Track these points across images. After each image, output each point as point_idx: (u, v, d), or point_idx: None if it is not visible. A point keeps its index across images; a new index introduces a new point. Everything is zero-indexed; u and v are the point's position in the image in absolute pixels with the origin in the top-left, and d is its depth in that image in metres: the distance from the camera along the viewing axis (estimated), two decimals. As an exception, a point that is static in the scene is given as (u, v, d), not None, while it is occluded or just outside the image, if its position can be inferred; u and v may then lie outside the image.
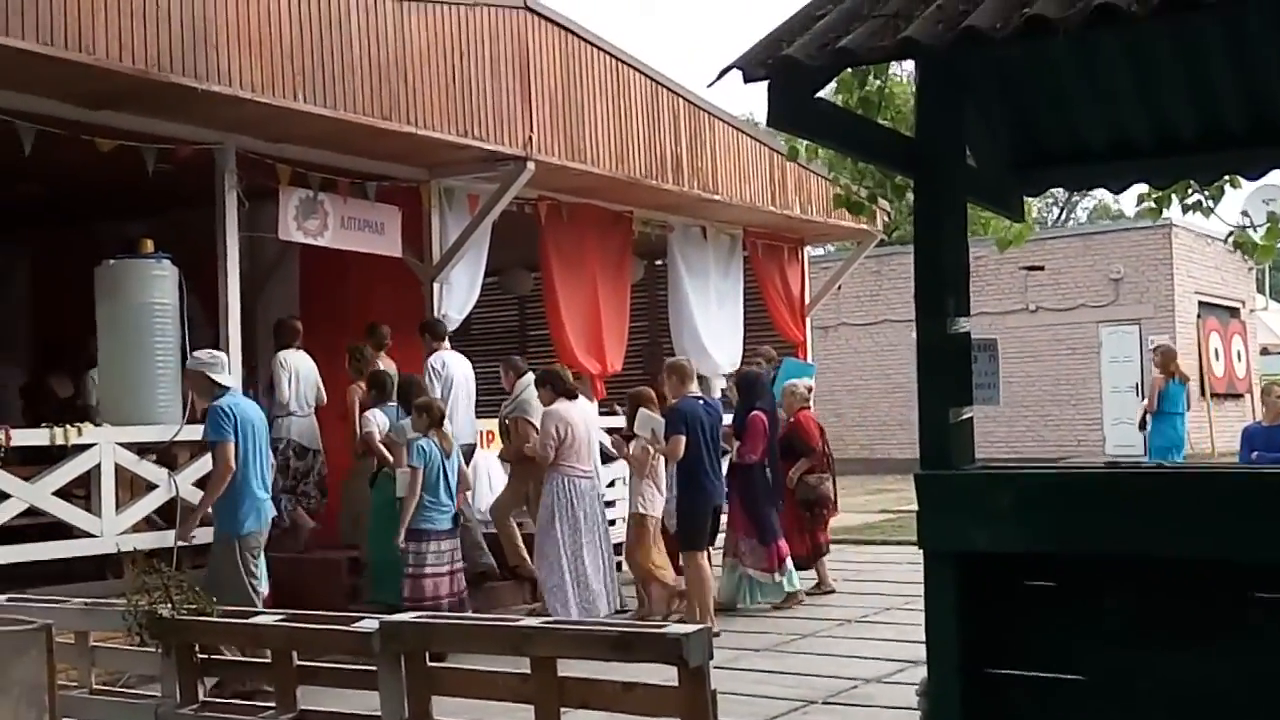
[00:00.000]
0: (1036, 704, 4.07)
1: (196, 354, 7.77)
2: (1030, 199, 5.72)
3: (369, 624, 4.61)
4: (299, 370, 10.19)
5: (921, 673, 7.32)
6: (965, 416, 4.26)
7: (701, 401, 9.30)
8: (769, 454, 9.62)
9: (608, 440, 10.35)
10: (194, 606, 5.15)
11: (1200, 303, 23.18)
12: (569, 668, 4.26)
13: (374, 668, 4.52)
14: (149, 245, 9.38)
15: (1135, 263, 22.94)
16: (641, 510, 9.24)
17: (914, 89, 4.23)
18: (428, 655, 4.46)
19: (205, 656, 5.15)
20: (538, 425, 9.49)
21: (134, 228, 10.31)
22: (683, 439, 8.85)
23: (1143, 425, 13.31)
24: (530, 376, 10.56)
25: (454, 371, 10.39)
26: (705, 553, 9.03)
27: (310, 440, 10.21)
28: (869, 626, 8.89)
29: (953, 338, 4.19)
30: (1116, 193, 5.04)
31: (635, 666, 4.22)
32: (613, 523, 10.85)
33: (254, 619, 5.04)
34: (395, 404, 9.52)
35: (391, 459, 9.14)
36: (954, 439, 4.19)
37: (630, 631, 4.08)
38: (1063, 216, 45.58)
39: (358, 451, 9.78)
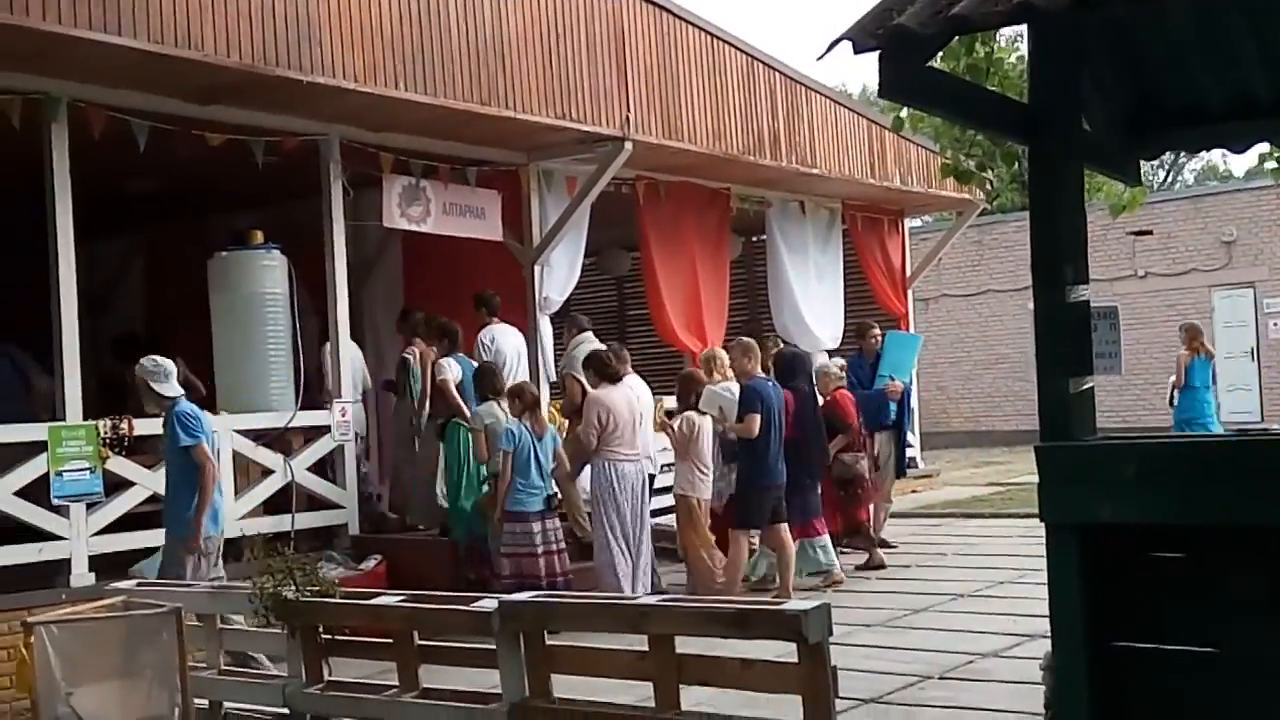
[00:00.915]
0: (1165, 677, 3.99)
1: (142, 360, 7.66)
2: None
3: (488, 604, 4.67)
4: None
5: (1041, 647, 7.22)
6: (1086, 387, 4.18)
7: (770, 383, 9.25)
8: (803, 433, 9.44)
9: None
10: (317, 588, 5.26)
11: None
12: (684, 645, 4.27)
13: (493, 646, 4.58)
14: (259, 236, 9.58)
15: (1248, 224, 22.26)
16: (681, 492, 9.23)
17: (1021, 55, 4.15)
18: (546, 634, 4.51)
19: (329, 637, 5.25)
20: (585, 381, 9.44)
21: (243, 219, 10.55)
22: (758, 417, 8.87)
23: (1171, 401, 14.03)
24: (588, 334, 10.61)
25: (504, 345, 10.38)
26: (756, 533, 9.07)
27: (360, 426, 10.10)
28: (983, 600, 8.77)
29: (1071, 306, 4.11)
30: (1237, 153, 4.90)
31: (750, 644, 4.22)
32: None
33: (376, 600, 5.14)
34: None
35: (465, 409, 9.27)
36: (1074, 410, 4.12)
37: (749, 609, 4.08)
38: (1169, 179, 44.42)
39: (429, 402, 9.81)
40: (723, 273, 13.17)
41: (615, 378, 9.13)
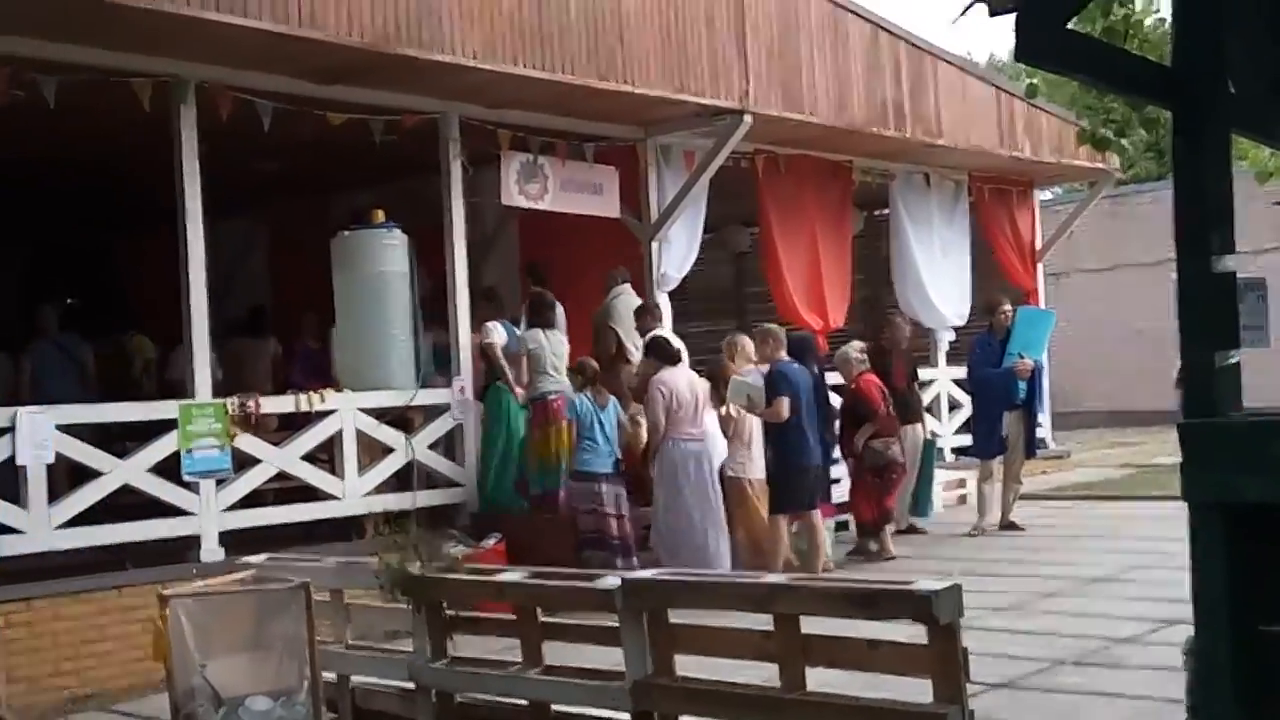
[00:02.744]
0: (1317, 666, 3.78)
1: None
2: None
3: (611, 581, 4.63)
4: None
5: (1180, 633, 6.97)
6: (1232, 361, 3.98)
7: (797, 365, 9.13)
8: (811, 416, 9.21)
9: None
10: (442, 564, 5.28)
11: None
12: (810, 625, 4.17)
13: (616, 624, 4.54)
14: (380, 215, 9.67)
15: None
16: (732, 473, 9.21)
17: (1160, 16, 3.95)
18: (669, 612, 4.45)
19: (454, 613, 5.27)
20: (620, 331, 9.80)
21: (363, 197, 10.65)
22: (786, 400, 8.80)
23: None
24: (626, 285, 10.61)
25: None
26: (811, 513, 9.05)
27: None
28: (1118, 585, 8.50)
29: (1217, 277, 3.91)
30: (1398, 113, 4.60)
31: (877, 625, 4.11)
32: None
33: (500, 576, 5.13)
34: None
35: (510, 372, 9.48)
36: (1220, 385, 3.91)
37: (877, 589, 3.97)
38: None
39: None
40: (845, 248, 12.95)
41: (675, 360, 9.27)
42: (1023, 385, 10.93)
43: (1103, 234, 24.32)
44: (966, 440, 13.89)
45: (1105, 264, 24.64)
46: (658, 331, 9.99)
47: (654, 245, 11.09)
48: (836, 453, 10.31)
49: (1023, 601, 8.08)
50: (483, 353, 9.72)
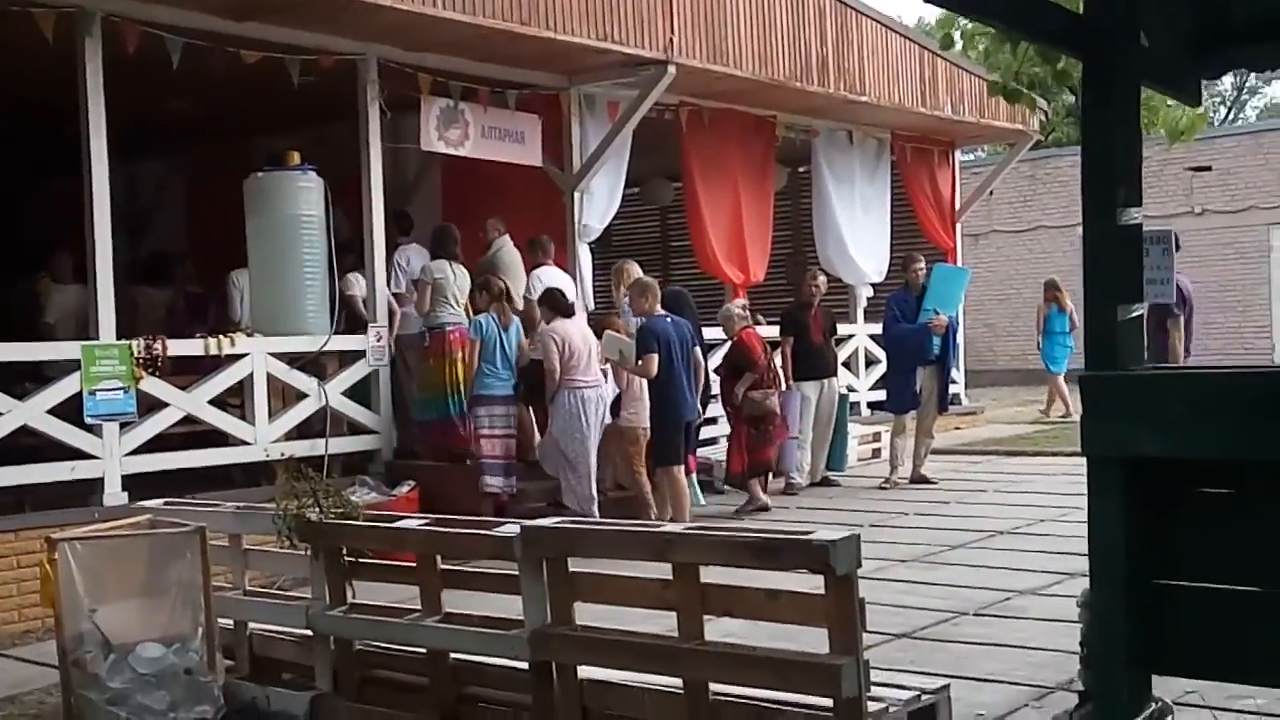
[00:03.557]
0: (1207, 617, 3.84)
1: None
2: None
3: (510, 529, 4.57)
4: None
5: (1080, 586, 7.08)
6: (1135, 314, 4.00)
7: (670, 319, 9.13)
8: (683, 370, 9.22)
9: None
10: (341, 511, 5.18)
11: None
12: (710, 574, 4.15)
13: (516, 572, 4.49)
14: (295, 157, 9.45)
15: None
16: (625, 423, 9.30)
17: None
18: (569, 561, 4.41)
19: (353, 560, 5.18)
20: (509, 283, 9.85)
21: (283, 142, 10.41)
22: (655, 357, 8.84)
23: (1038, 346, 16.71)
24: (505, 238, 10.57)
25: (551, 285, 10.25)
26: (679, 467, 9.10)
27: None
28: (1021, 538, 8.60)
29: (1123, 229, 3.92)
30: (1305, 73, 4.64)
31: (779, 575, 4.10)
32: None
33: (398, 523, 5.05)
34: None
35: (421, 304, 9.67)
36: (1122, 338, 3.93)
37: (776, 538, 3.94)
38: (1230, 116, 43.39)
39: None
40: (767, 203, 12.95)
41: (569, 312, 9.40)
42: (937, 341, 11.00)
43: (1021, 196, 24.61)
44: (882, 395, 14.05)
45: (1023, 225, 24.89)
46: (549, 284, 9.99)
47: (576, 195, 10.99)
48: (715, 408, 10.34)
49: (928, 553, 8.16)
50: (344, 303, 9.63)
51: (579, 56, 10.21)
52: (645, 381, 9.19)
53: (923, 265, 11.37)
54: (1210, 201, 22.75)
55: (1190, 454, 3.74)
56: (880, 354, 14.09)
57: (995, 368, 23.84)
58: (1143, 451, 3.80)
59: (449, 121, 10.07)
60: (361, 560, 5.19)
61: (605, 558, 4.42)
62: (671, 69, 10.41)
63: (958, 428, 14.65)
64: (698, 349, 9.50)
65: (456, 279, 9.86)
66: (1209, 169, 22.57)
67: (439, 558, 4.84)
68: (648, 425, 9.22)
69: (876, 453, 12.96)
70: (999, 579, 7.24)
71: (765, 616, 4.10)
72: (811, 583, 3.88)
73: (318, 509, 5.18)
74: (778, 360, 10.79)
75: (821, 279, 11.64)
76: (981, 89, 14.04)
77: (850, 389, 12.81)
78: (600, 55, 10.20)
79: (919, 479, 11.19)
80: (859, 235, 13.78)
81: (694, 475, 9.90)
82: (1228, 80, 43.73)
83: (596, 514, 9.08)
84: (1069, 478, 11.31)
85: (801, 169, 14.89)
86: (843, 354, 13.04)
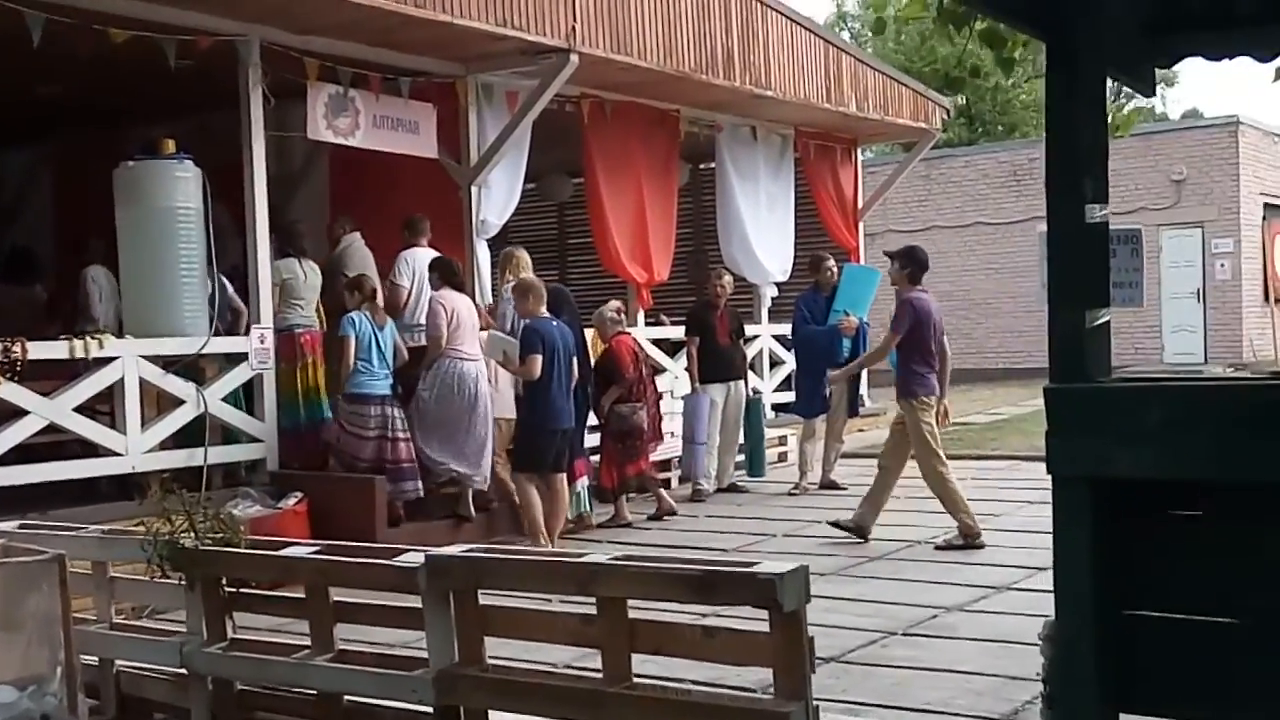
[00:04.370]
0: (1182, 650, 3.52)
1: None
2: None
3: (413, 558, 4.10)
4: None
5: (1007, 600, 6.81)
6: (1103, 320, 3.67)
7: (555, 323, 8.79)
8: (563, 375, 8.84)
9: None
10: (220, 535, 4.65)
11: (1266, 205, 22.21)
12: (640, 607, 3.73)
13: (419, 605, 4.02)
14: (170, 146, 8.80)
15: (1199, 163, 21.96)
16: (501, 415, 9.19)
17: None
18: (479, 593, 3.95)
19: (233, 590, 4.66)
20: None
21: (160, 131, 9.72)
22: (538, 358, 8.51)
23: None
24: (355, 234, 10.26)
25: (419, 266, 9.86)
26: (537, 476, 8.69)
27: None
28: (944, 550, 8.33)
29: (1089, 227, 3.59)
30: (1264, 61, 4.35)
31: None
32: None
33: (285, 551, 4.53)
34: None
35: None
36: (1090, 346, 3.61)
37: (714, 571, 3.53)
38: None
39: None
40: (670, 199, 12.57)
41: (460, 286, 9.25)
42: (847, 343, 10.75)
43: (916, 196, 24.62)
44: (788, 397, 13.78)
45: (918, 225, 24.91)
46: (420, 265, 9.68)
47: (473, 189, 10.47)
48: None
49: (846, 566, 7.85)
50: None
51: (476, 43, 9.70)
52: (509, 376, 8.96)
53: (834, 265, 11.09)
54: (1102, 202, 22.94)
55: (1166, 474, 3.43)
56: (785, 355, 13.86)
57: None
58: (1114, 471, 3.47)
59: (338, 109, 9.49)
60: (243, 591, 4.66)
61: (520, 590, 3.98)
62: (574, 58, 9.96)
63: (861, 430, 14.39)
64: (575, 358, 9.04)
65: (307, 278, 9.41)
66: (1100, 170, 22.77)
67: (331, 589, 4.34)
68: (510, 417, 9.05)
69: (783, 456, 12.68)
70: (924, 594, 6.94)
71: (701, 656, 3.69)
72: (754, 617, 3.49)
73: (193, 533, 4.64)
74: (679, 365, 10.42)
75: (728, 278, 11.31)
76: (885, 85, 13.90)
77: (756, 391, 12.48)
78: (499, 42, 9.70)
79: (829, 484, 10.92)
80: (763, 234, 13.47)
81: (581, 481, 9.46)
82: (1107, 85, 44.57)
83: (478, 482, 9.04)
84: (978, 482, 11.16)
85: (703, 165, 14.57)
86: (748, 355, 12.71)
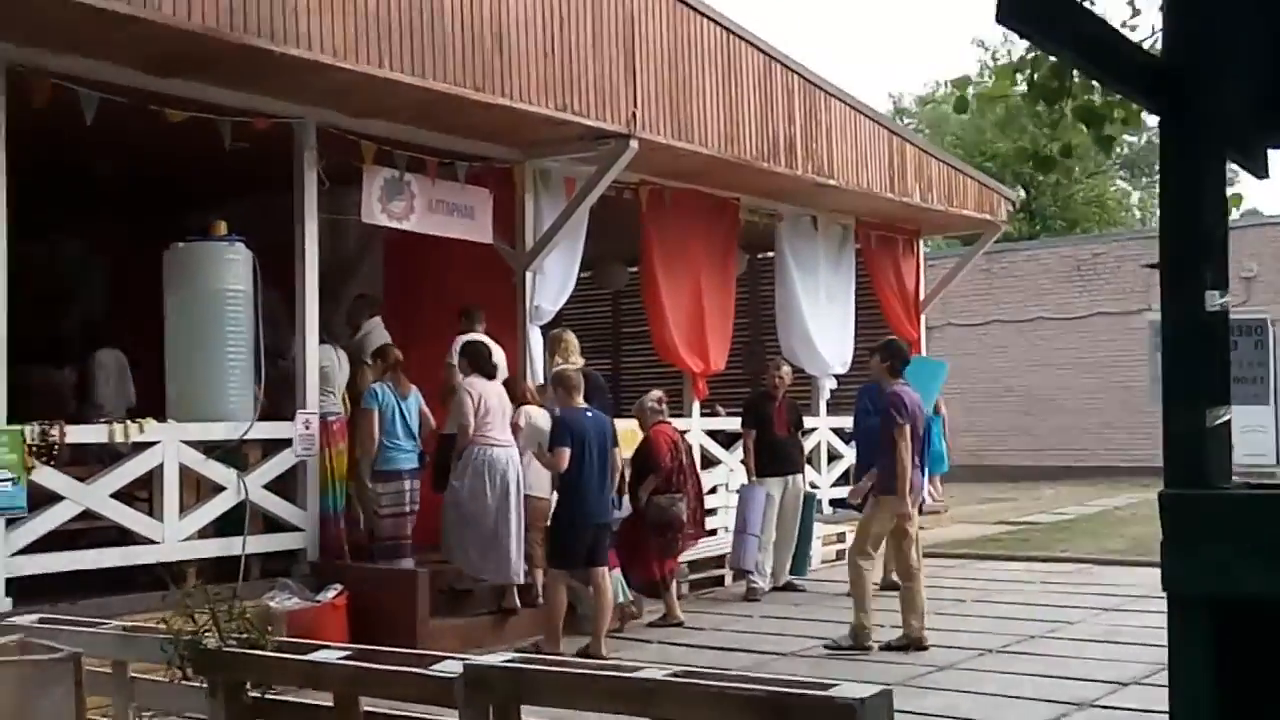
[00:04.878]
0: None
1: None
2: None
3: (451, 666, 3.75)
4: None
5: (1090, 718, 6.31)
6: (1224, 419, 3.29)
7: (590, 413, 8.47)
8: (596, 467, 8.50)
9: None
10: (245, 637, 4.33)
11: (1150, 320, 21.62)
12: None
13: (457, 718, 3.66)
14: (222, 228, 8.68)
15: (1269, 260, 21.47)
16: (531, 492, 8.92)
17: None
18: (522, 709, 3.59)
19: (258, 696, 4.32)
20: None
21: (216, 214, 9.59)
22: (567, 451, 8.21)
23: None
24: (375, 320, 10.13)
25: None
26: (569, 574, 8.40)
27: None
28: (1013, 658, 7.83)
29: (1210, 317, 3.23)
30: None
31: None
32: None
33: (315, 654, 4.19)
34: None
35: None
36: (1210, 448, 3.23)
37: (787, 693, 3.15)
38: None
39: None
40: (729, 289, 12.29)
41: (490, 375, 8.95)
42: (912, 439, 10.27)
43: (976, 290, 24.25)
44: (845, 493, 13.33)
45: (978, 319, 24.53)
46: (474, 337, 9.40)
47: (528, 275, 10.24)
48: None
49: (912, 676, 7.36)
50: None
51: (535, 128, 9.53)
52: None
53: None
54: (1168, 299, 22.43)
55: (1303, 595, 3.02)
56: (844, 449, 13.44)
57: (951, 463, 23.23)
58: (1241, 589, 3.07)
59: (393, 193, 9.33)
60: (268, 697, 4.32)
61: (567, 708, 3.61)
62: (634, 144, 9.77)
63: (923, 528, 13.84)
64: (616, 449, 8.72)
65: (340, 365, 9.17)
66: (1166, 266, 22.30)
67: (362, 699, 3.99)
68: (543, 496, 8.81)
69: (841, 554, 12.19)
70: (1000, 710, 6.45)
71: (770, 790, 3.29)
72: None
73: (216, 633, 4.32)
74: (734, 458, 10.01)
75: (786, 369, 10.97)
76: (949, 176, 13.61)
77: (813, 485, 12.06)
78: (558, 127, 9.52)
79: (890, 585, 10.39)
80: (823, 325, 13.14)
81: (616, 571, 9.06)
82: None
83: (515, 581, 8.67)
84: (1047, 586, 10.67)
85: (760, 255, 14.29)
86: (805, 448, 12.30)
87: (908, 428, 8.30)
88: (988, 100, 5.33)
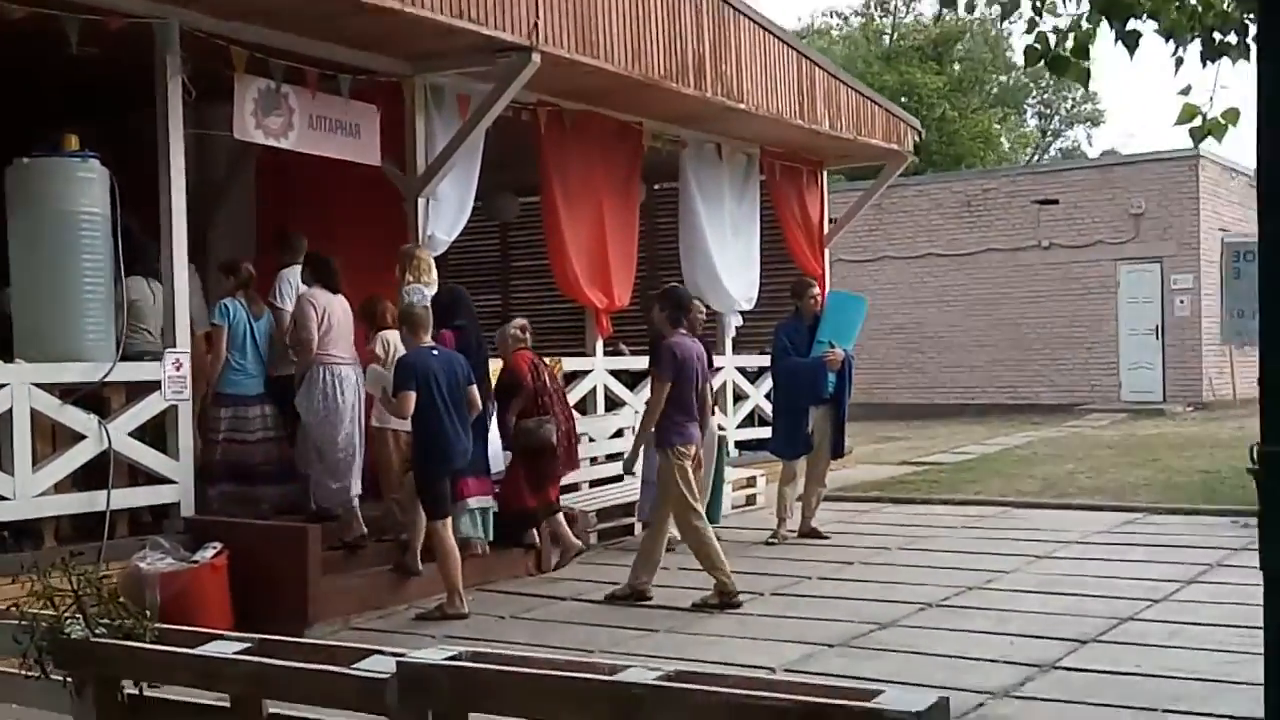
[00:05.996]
0: None
1: None
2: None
3: (381, 663, 3.03)
4: None
5: (1057, 681, 5.82)
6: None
7: (435, 350, 7.78)
8: (451, 407, 7.83)
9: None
10: (118, 624, 3.55)
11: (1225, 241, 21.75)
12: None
13: (386, 725, 2.96)
14: (74, 142, 7.64)
15: (1158, 197, 21.49)
16: (377, 423, 8.41)
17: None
18: (470, 716, 2.90)
19: (134, 694, 3.56)
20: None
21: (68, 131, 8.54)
22: (411, 395, 7.48)
23: None
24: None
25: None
26: (446, 523, 7.73)
27: None
28: (956, 614, 7.28)
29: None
30: None
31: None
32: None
33: (207, 646, 3.44)
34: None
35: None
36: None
37: (825, 704, 2.51)
38: (1034, 158, 44.20)
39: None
40: (632, 219, 11.59)
41: (335, 288, 8.40)
42: (832, 377, 9.78)
43: (866, 226, 23.88)
44: (751, 434, 12.84)
45: (868, 255, 24.23)
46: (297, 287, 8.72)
47: (420, 202, 9.39)
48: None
49: (855, 634, 6.81)
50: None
51: (427, 37, 8.66)
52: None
53: (818, 292, 10.17)
54: (1058, 235, 22.41)
55: None
56: (751, 389, 12.93)
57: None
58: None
59: (269, 106, 8.40)
60: (148, 695, 3.56)
61: (527, 717, 2.92)
62: (536, 57, 8.95)
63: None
64: (473, 386, 7.95)
65: (156, 300, 8.03)
66: (1056, 202, 22.25)
67: (265, 700, 3.26)
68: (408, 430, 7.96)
69: (751, 499, 11.72)
70: (956, 674, 5.93)
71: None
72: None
73: (83, 620, 3.54)
74: (640, 399, 9.39)
75: (701, 307, 10.33)
76: (858, 104, 13.06)
77: (722, 428, 11.50)
78: (452, 36, 8.65)
79: (809, 532, 9.95)
80: (729, 259, 12.52)
81: (472, 501, 8.45)
82: (1032, 123, 44.70)
83: (354, 515, 8.17)
84: (970, 531, 10.29)
85: (658, 185, 13.58)
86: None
87: (669, 384, 7.65)
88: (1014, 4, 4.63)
